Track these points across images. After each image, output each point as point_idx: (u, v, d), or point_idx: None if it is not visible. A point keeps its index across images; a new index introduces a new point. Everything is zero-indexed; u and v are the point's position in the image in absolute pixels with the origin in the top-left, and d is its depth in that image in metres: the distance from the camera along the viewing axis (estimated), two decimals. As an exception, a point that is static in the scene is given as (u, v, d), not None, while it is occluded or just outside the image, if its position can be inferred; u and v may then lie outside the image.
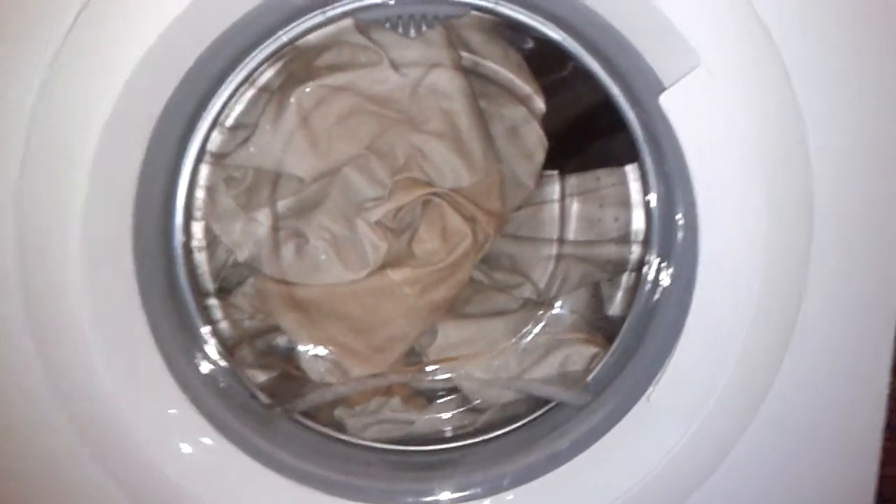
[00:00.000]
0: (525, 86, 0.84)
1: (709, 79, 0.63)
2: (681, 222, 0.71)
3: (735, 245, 0.65)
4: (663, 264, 0.76)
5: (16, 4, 0.63)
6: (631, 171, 0.87)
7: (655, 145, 0.73)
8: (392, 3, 0.73)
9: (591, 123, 0.91)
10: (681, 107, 0.64)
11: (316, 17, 0.72)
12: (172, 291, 0.80)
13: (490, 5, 0.72)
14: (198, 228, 0.84)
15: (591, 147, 0.94)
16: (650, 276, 0.78)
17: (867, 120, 0.66)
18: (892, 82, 0.66)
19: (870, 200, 0.67)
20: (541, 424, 0.83)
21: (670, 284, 0.75)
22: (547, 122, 0.87)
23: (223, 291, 0.88)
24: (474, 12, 0.76)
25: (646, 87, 0.67)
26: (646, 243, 0.84)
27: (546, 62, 0.86)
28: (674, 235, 0.71)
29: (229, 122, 0.83)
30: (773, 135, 0.64)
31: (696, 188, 0.65)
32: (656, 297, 0.76)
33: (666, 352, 0.72)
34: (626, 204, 0.88)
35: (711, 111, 0.63)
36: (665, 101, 0.64)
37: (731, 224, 0.65)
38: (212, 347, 0.82)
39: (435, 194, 0.82)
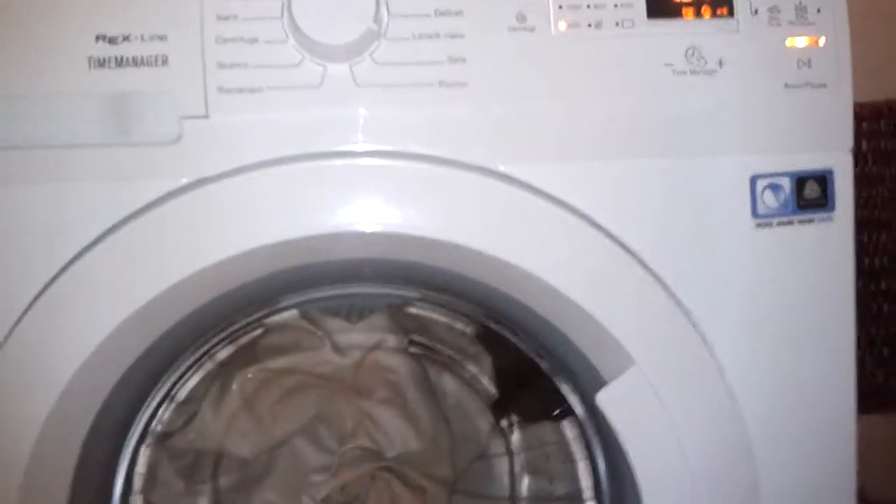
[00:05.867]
0: (469, 358, 0.84)
1: (643, 378, 0.63)
2: None
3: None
4: None
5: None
6: (569, 427, 0.86)
7: (603, 434, 0.73)
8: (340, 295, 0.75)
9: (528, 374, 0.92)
10: (618, 406, 0.64)
11: (263, 309, 0.73)
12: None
13: (433, 295, 0.74)
14: (137, 506, 0.81)
15: (531, 395, 0.94)
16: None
17: (806, 414, 0.66)
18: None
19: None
20: None
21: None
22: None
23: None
24: (418, 302, 0.78)
25: (588, 381, 0.68)
26: (598, 499, 0.83)
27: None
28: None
29: (182, 395, 0.82)
30: (711, 429, 0.64)
31: (640, 486, 0.64)
32: None
33: None
34: (571, 462, 0.87)
35: (647, 413, 0.63)
36: (602, 399, 0.64)
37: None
38: None
39: (383, 468, 0.81)
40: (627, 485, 0.73)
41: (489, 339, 0.88)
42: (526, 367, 0.90)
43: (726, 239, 0.65)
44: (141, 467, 0.80)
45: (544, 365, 0.75)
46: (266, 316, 0.76)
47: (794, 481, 0.67)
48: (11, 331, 0.62)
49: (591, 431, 0.81)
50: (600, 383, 0.65)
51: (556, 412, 0.88)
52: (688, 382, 0.64)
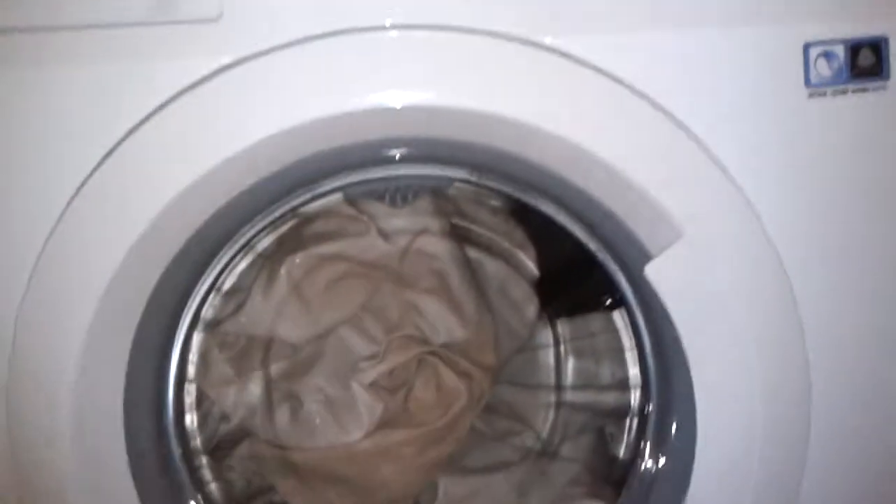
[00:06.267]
0: (514, 245, 0.84)
1: (692, 250, 0.63)
2: (676, 412, 0.70)
3: (733, 422, 0.64)
4: (657, 453, 0.75)
5: (8, 190, 0.63)
6: (620, 318, 0.87)
7: (647, 307, 0.73)
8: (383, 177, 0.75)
9: (581, 265, 0.91)
10: (666, 278, 0.64)
11: (306, 194, 0.73)
12: (164, 458, 0.79)
13: (474, 178, 0.74)
14: (189, 396, 0.83)
15: (582, 287, 0.94)
16: (646, 458, 0.76)
17: (855, 281, 0.66)
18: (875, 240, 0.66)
19: (869, 371, 0.66)
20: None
21: (667, 462, 0.73)
22: (538, 272, 0.88)
23: (219, 452, 0.87)
24: (459, 183, 0.77)
25: (633, 256, 0.68)
26: (644, 388, 0.83)
27: (535, 213, 0.87)
28: (670, 419, 0.70)
29: (227, 286, 0.83)
30: (763, 305, 0.64)
31: (689, 355, 0.65)
32: (654, 470, 0.75)
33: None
34: (619, 352, 0.88)
35: (696, 282, 0.63)
36: (650, 272, 0.64)
37: (728, 397, 0.64)
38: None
39: (429, 353, 0.82)
40: (674, 373, 0.73)
41: (534, 229, 0.88)
42: (573, 259, 0.90)
43: (778, 110, 0.64)
44: (194, 355, 0.82)
45: (592, 245, 0.74)
46: (306, 203, 0.76)
47: (846, 356, 0.66)
48: (62, 214, 0.63)
49: (640, 320, 0.81)
50: (648, 261, 0.65)
51: (607, 303, 0.89)
52: (738, 255, 0.64)
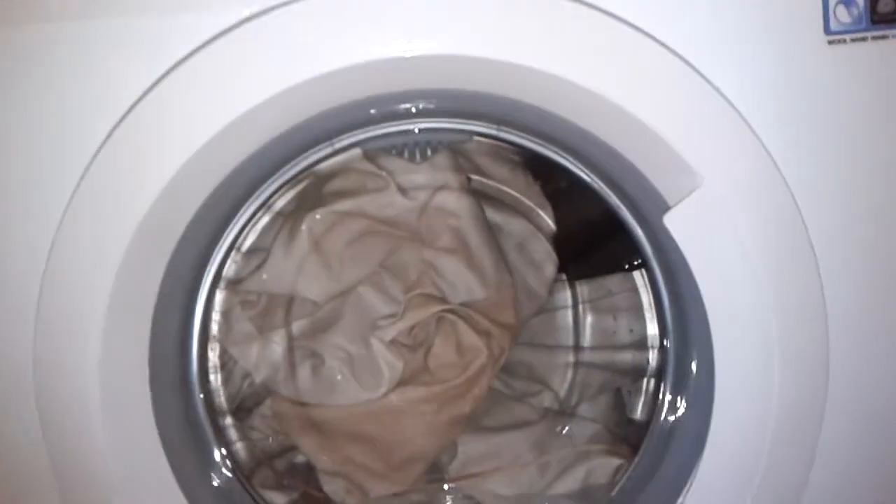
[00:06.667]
0: (532, 202, 0.85)
1: (711, 198, 0.63)
2: (694, 348, 0.70)
3: (751, 368, 0.64)
4: (678, 396, 0.75)
5: (34, 145, 0.64)
6: (640, 276, 0.87)
7: (665, 260, 0.73)
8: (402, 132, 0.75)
9: (599, 226, 0.92)
10: (685, 226, 0.64)
11: (325, 149, 0.74)
12: (189, 417, 0.80)
13: (493, 132, 0.74)
14: (213, 353, 0.84)
15: (600, 249, 0.95)
16: (665, 405, 0.77)
17: (874, 229, 0.65)
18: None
19: (886, 318, 0.66)
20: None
21: (686, 410, 0.74)
22: (556, 228, 0.88)
23: (242, 412, 0.88)
24: (478, 138, 0.78)
25: (651, 206, 0.68)
26: (662, 349, 0.84)
27: (553, 172, 0.87)
28: (689, 359, 0.71)
29: (245, 246, 0.84)
30: (781, 252, 0.64)
31: (708, 306, 0.65)
32: (673, 418, 0.75)
33: (690, 466, 0.70)
34: (638, 310, 0.88)
35: (715, 230, 0.63)
36: (669, 221, 0.64)
37: (746, 346, 0.64)
38: (227, 470, 0.81)
39: (448, 310, 0.82)
40: (692, 329, 0.73)
41: (552, 190, 0.88)
42: (592, 222, 0.90)
43: (798, 57, 0.63)
44: (216, 314, 0.84)
45: (612, 200, 0.74)
46: (325, 159, 0.76)
47: (864, 302, 0.66)
48: (86, 169, 0.64)
49: (658, 277, 0.81)
50: (663, 207, 0.65)
51: (625, 267, 0.89)
52: (756, 204, 0.64)
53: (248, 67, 0.61)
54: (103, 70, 0.62)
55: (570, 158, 0.74)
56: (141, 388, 0.70)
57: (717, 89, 0.62)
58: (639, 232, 0.75)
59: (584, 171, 0.74)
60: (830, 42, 0.63)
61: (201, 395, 0.81)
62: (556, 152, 0.74)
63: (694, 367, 0.71)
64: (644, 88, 0.62)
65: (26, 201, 0.65)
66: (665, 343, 0.79)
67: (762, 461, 0.65)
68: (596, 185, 0.74)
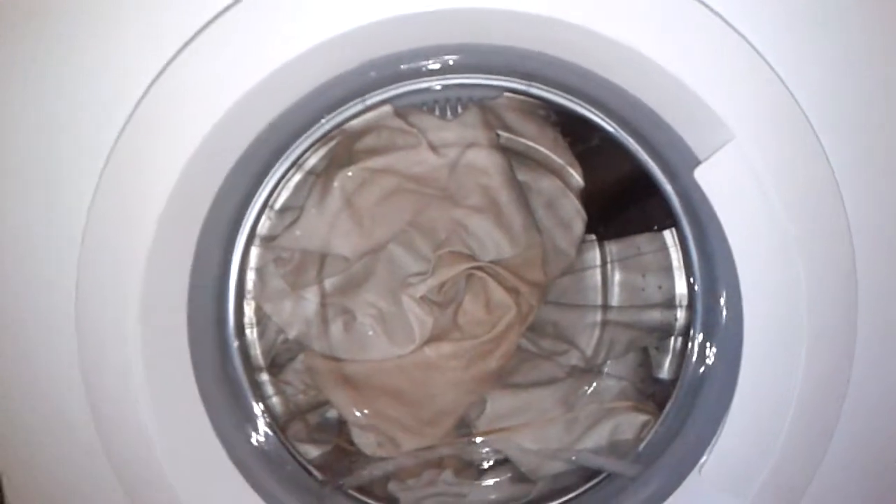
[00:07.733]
0: (561, 160, 0.85)
1: (742, 152, 0.63)
2: (723, 301, 0.71)
3: (780, 319, 0.65)
4: (707, 343, 0.76)
5: (70, 102, 0.66)
6: (669, 236, 0.88)
7: (694, 217, 0.74)
8: (431, 88, 0.76)
9: (628, 187, 0.92)
10: (716, 180, 0.64)
11: (356, 106, 0.75)
12: (226, 371, 0.82)
13: (523, 87, 0.74)
14: (249, 309, 0.86)
15: (629, 210, 0.95)
16: (695, 355, 0.77)
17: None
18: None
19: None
20: (593, 496, 0.83)
21: (715, 360, 0.74)
22: (584, 188, 0.88)
23: (275, 367, 0.90)
24: (508, 94, 0.78)
25: (681, 161, 0.68)
26: (690, 308, 0.84)
27: (581, 130, 0.88)
28: (718, 313, 0.71)
29: (278, 205, 0.86)
30: (811, 207, 0.64)
31: (738, 261, 0.65)
32: (702, 369, 0.76)
33: (716, 421, 0.71)
34: (667, 269, 0.88)
35: (747, 184, 0.63)
36: (700, 175, 0.65)
37: (775, 297, 0.65)
38: (264, 424, 0.83)
39: (478, 268, 0.84)
40: (721, 284, 0.74)
41: (582, 149, 0.89)
42: (622, 181, 0.90)
43: (832, 12, 0.63)
44: (251, 271, 0.85)
45: (643, 155, 0.75)
46: (356, 116, 0.77)
47: (892, 264, 0.66)
48: (127, 121, 0.65)
49: (688, 235, 0.81)
50: (693, 162, 0.66)
51: (654, 228, 0.90)
52: (788, 159, 0.64)
53: (281, 24, 0.62)
54: (141, 24, 0.63)
55: (600, 114, 0.74)
56: (180, 343, 0.72)
57: (751, 44, 0.62)
58: (668, 188, 0.75)
59: (613, 126, 0.74)
60: (869, -4, 0.63)
61: (239, 351, 0.83)
62: (586, 108, 0.74)
63: (723, 318, 0.72)
64: (676, 42, 0.62)
65: (66, 160, 0.66)
66: (695, 288, 0.79)
67: (790, 412, 0.66)
68: (625, 141, 0.74)
